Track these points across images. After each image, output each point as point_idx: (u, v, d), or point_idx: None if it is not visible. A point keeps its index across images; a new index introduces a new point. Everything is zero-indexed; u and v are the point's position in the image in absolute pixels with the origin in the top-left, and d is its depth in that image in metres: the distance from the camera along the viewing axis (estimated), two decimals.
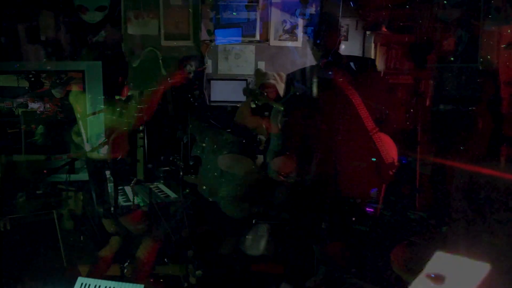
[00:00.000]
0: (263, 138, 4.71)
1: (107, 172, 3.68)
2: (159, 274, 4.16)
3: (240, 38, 6.05)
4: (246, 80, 5.83)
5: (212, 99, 6.10)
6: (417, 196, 4.42)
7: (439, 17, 5.19)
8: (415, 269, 2.47)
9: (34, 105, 5.45)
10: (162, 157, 4.68)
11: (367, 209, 4.54)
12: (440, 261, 2.15)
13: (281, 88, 4.99)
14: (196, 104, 5.74)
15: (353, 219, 4.37)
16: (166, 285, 4.14)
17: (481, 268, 2.05)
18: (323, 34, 3.40)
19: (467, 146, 4.60)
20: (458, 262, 2.14)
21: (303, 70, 3.50)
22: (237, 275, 4.22)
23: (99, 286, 2.88)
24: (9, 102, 5.27)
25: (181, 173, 4.62)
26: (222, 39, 6.03)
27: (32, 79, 4.36)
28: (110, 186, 3.72)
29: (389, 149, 3.38)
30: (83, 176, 3.65)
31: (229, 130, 4.70)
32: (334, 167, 3.25)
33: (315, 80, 3.34)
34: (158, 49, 6.01)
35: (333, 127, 3.26)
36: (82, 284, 2.91)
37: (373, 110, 3.26)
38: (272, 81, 5.01)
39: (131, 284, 2.85)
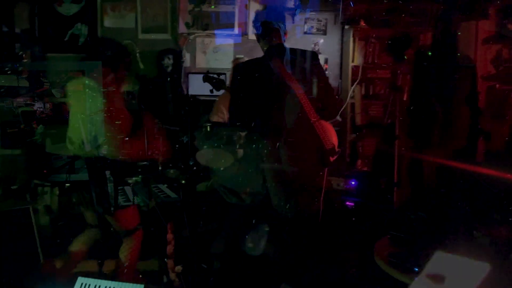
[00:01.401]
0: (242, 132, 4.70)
1: (107, 172, 3.64)
2: (139, 269, 4.12)
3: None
4: (225, 74, 5.80)
5: (190, 93, 6.06)
6: (395, 190, 4.45)
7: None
8: (398, 264, 2.48)
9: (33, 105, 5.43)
10: (140, 151, 4.62)
11: (347, 203, 4.57)
12: (440, 261, 2.16)
13: None
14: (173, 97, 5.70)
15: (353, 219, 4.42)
16: (146, 281, 4.11)
17: (481, 268, 2.06)
18: (266, 28, 3.52)
19: (445, 139, 4.64)
20: (458, 262, 2.15)
21: (248, 62, 3.60)
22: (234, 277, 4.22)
23: (99, 286, 2.83)
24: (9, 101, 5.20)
25: (159, 168, 4.59)
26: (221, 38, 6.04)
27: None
28: (110, 186, 3.68)
29: (330, 136, 3.51)
30: (83, 176, 3.60)
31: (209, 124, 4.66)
32: (280, 154, 3.36)
33: (260, 71, 3.43)
34: (135, 42, 5.94)
35: (277, 116, 3.36)
36: (82, 284, 2.86)
37: (314, 100, 3.39)
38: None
39: (131, 284, 2.81)
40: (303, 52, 3.67)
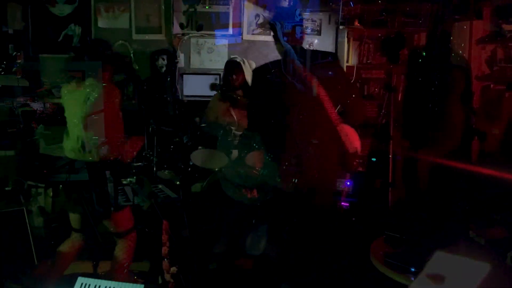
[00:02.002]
0: (237, 132, 4.69)
1: (107, 172, 3.62)
2: (133, 271, 4.11)
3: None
4: (219, 74, 5.79)
5: (185, 93, 6.05)
6: (390, 190, 4.45)
7: None
8: (394, 264, 2.48)
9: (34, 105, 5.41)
10: (134, 152, 4.61)
11: (342, 203, 4.57)
12: (440, 261, 2.16)
13: (247, 71, 4.97)
14: (168, 99, 5.69)
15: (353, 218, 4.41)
16: (142, 282, 4.09)
17: (481, 268, 2.06)
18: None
19: (440, 139, 4.64)
20: (458, 262, 2.15)
21: (267, 65, 3.56)
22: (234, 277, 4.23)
23: (99, 286, 2.81)
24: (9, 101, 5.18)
25: (154, 169, 4.58)
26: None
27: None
28: (110, 186, 3.67)
29: (352, 139, 3.47)
30: (83, 176, 3.59)
31: (203, 125, 4.66)
32: (300, 158, 3.32)
33: (280, 73, 3.39)
34: (129, 43, 5.92)
35: (299, 119, 3.32)
36: (82, 284, 2.84)
37: (336, 102, 3.34)
38: (238, 60, 4.99)
39: (131, 284, 2.79)
40: (323, 53, 3.62)
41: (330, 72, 3.42)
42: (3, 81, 5.21)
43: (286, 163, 3.35)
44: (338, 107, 3.54)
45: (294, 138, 3.33)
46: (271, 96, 3.39)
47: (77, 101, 3.56)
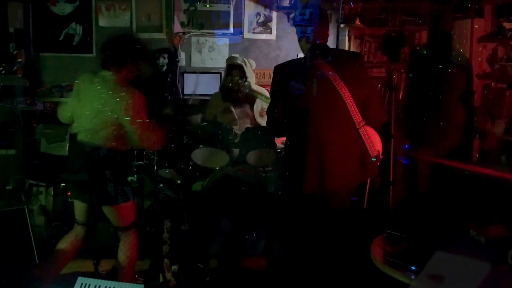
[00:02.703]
0: (238, 131, 4.70)
1: (107, 172, 3.62)
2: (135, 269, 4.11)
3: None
4: (220, 73, 5.79)
5: (185, 92, 6.05)
6: (390, 189, 4.45)
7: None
8: (394, 263, 2.48)
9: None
10: (135, 151, 4.61)
11: None
12: (440, 261, 2.16)
13: (249, 72, 4.98)
14: (169, 97, 5.69)
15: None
16: (143, 281, 4.11)
17: (481, 268, 2.06)
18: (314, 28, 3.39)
19: (440, 138, 4.64)
20: (458, 262, 2.16)
21: (290, 62, 3.50)
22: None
23: (99, 286, 2.80)
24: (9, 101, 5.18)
25: (155, 168, 4.58)
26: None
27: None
28: (110, 186, 3.66)
29: (374, 142, 3.42)
30: (83, 176, 3.59)
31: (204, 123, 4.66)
32: (321, 161, 3.26)
33: (303, 72, 3.34)
34: None
35: (321, 120, 3.27)
36: (82, 284, 2.83)
37: (359, 104, 3.28)
38: (238, 62, 5.00)
39: (130, 284, 2.79)
40: (348, 53, 3.55)
41: (354, 73, 3.36)
42: (3, 81, 5.22)
43: (308, 166, 3.29)
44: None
45: (316, 139, 3.27)
46: (292, 95, 3.33)
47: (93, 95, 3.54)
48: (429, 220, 3.17)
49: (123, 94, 3.49)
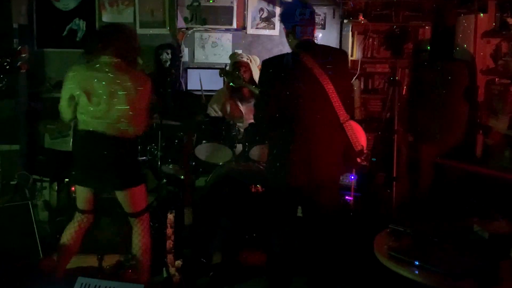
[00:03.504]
0: (242, 127, 4.70)
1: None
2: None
3: None
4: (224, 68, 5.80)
5: (189, 88, 6.06)
6: (394, 185, 4.45)
7: None
8: (398, 257, 2.48)
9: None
10: (139, 147, 4.62)
11: (346, 197, 4.57)
12: (444, 256, 2.17)
13: (254, 69, 4.98)
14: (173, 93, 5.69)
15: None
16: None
17: (484, 263, 2.06)
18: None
19: (444, 134, 4.64)
20: (461, 257, 2.16)
21: (278, 57, 3.55)
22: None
23: (99, 286, 2.81)
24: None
25: (159, 163, 4.58)
26: None
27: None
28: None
29: (359, 137, 3.47)
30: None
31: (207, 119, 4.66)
32: (306, 154, 3.31)
33: (290, 67, 3.38)
34: None
35: (307, 114, 3.31)
36: (82, 284, 2.84)
37: (344, 99, 3.34)
38: (245, 60, 5.00)
39: (131, 284, 2.80)
40: (334, 49, 3.61)
41: (338, 68, 3.40)
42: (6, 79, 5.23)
43: (293, 159, 3.34)
44: None
45: (301, 133, 3.32)
46: (279, 89, 3.38)
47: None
48: (433, 215, 3.17)
49: (130, 75, 3.52)
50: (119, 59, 3.54)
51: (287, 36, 3.52)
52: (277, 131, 3.42)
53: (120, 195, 3.67)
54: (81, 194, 3.71)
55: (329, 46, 3.57)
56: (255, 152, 4.43)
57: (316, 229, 3.48)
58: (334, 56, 3.46)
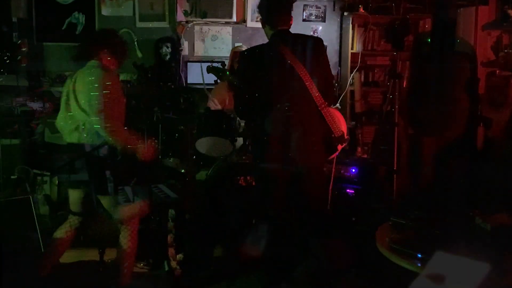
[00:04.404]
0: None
1: (107, 172, 3.61)
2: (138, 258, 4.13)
3: None
4: (223, 62, 5.77)
5: (188, 81, 6.05)
6: (394, 177, 4.45)
7: None
8: (400, 250, 2.48)
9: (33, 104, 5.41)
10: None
11: (348, 190, 4.57)
12: (440, 261, 2.16)
13: None
14: (172, 86, 5.68)
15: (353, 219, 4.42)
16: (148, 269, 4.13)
17: (481, 268, 2.06)
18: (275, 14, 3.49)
19: (445, 126, 4.63)
20: (458, 262, 2.16)
21: (253, 48, 3.59)
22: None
23: None
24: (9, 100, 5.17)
25: (159, 157, 4.58)
26: None
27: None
28: (110, 186, 3.66)
29: (339, 123, 3.51)
30: (83, 176, 3.58)
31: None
32: (286, 142, 3.35)
33: (266, 57, 3.42)
34: (133, 30, 5.92)
35: (283, 103, 3.35)
36: None
37: (321, 86, 3.37)
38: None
39: None
40: (309, 38, 3.65)
41: (314, 57, 3.45)
42: (3, 81, 5.22)
43: (272, 146, 3.39)
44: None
45: (280, 121, 3.37)
46: (255, 80, 3.43)
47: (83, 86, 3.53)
48: (434, 208, 3.17)
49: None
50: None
51: (263, 26, 3.59)
52: (255, 121, 3.46)
53: (104, 202, 3.68)
54: (72, 195, 3.74)
55: (304, 35, 3.60)
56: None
57: (304, 217, 3.51)
58: (309, 45, 3.51)
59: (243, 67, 3.58)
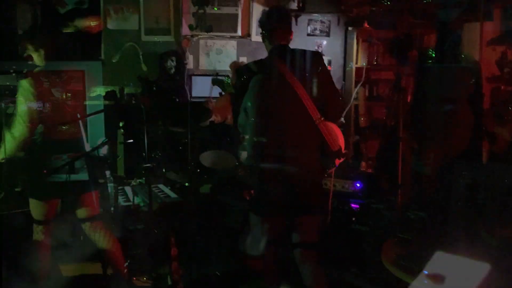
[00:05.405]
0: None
1: (107, 172, 3.61)
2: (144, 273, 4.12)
3: None
4: (228, 76, 5.80)
5: (193, 94, 6.06)
6: (399, 191, 4.44)
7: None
8: (406, 266, 2.47)
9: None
10: (144, 153, 4.61)
11: (352, 205, 4.55)
12: (440, 261, 2.15)
13: None
14: (177, 100, 5.70)
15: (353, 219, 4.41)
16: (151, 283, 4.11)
17: (481, 268, 2.05)
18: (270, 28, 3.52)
19: (449, 141, 4.63)
20: (458, 262, 2.14)
21: (251, 64, 3.62)
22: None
23: None
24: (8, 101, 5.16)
25: (163, 170, 4.59)
26: None
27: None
28: (110, 186, 3.65)
29: (335, 137, 3.50)
30: (83, 176, 3.58)
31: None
32: (281, 155, 3.34)
33: (262, 72, 3.44)
34: (138, 44, 5.94)
35: (281, 118, 3.36)
36: None
37: (318, 101, 3.37)
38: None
39: None
40: (307, 52, 3.65)
41: (312, 71, 3.46)
42: (2, 81, 5.22)
43: (268, 161, 3.39)
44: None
45: (277, 137, 3.37)
46: (252, 96, 3.44)
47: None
48: (439, 223, 3.16)
49: None
50: None
51: (263, 41, 3.59)
52: (253, 137, 3.47)
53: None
54: (35, 204, 3.71)
55: (303, 50, 3.60)
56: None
57: (304, 232, 3.49)
58: (307, 59, 3.51)
59: (239, 81, 3.60)
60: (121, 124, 3.94)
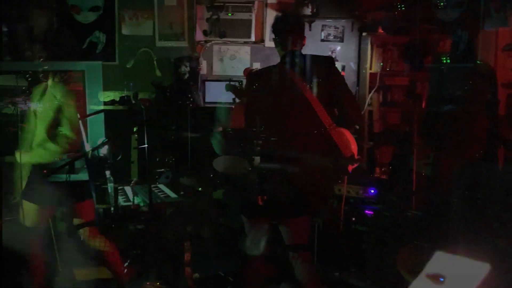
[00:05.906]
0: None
1: (107, 172, 3.62)
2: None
3: None
4: (241, 81, 5.80)
5: (206, 100, 6.07)
6: (413, 197, 4.41)
7: (439, 17, 5.18)
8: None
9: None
10: (157, 159, 4.63)
11: (366, 211, 4.53)
12: (440, 261, 2.13)
13: None
14: (191, 105, 5.70)
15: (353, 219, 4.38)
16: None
17: (481, 268, 2.03)
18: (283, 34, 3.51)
19: (464, 148, 4.59)
20: (458, 262, 2.12)
21: (262, 70, 3.62)
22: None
23: None
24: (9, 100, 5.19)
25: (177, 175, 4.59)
26: None
27: (30, 79, 4.30)
28: (110, 186, 3.66)
29: (348, 143, 3.46)
30: (83, 176, 3.59)
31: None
32: (291, 161, 3.33)
33: (273, 78, 3.43)
34: (153, 50, 5.97)
35: (292, 124, 3.35)
36: None
37: (331, 106, 3.34)
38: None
39: None
40: (319, 57, 3.64)
41: (324, 76, 3.44)
42: (2, 81, 5.25)
43: (281, 169, 3.37)
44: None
45: (288, 143, 3.36)
46: (262, 102, 3.44)
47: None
48: (455, 230, 3.13)
49: None
50: None
51: (276, 46, 3.59)
52: (264, 143, 3.46)
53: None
54: (28, 207, 3.72)
55: (315, 55, 3.58)
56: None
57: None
58: (318, 65, 3.49)
59: (249, 88, 3.60)
60: (135, 129, 3.95)
